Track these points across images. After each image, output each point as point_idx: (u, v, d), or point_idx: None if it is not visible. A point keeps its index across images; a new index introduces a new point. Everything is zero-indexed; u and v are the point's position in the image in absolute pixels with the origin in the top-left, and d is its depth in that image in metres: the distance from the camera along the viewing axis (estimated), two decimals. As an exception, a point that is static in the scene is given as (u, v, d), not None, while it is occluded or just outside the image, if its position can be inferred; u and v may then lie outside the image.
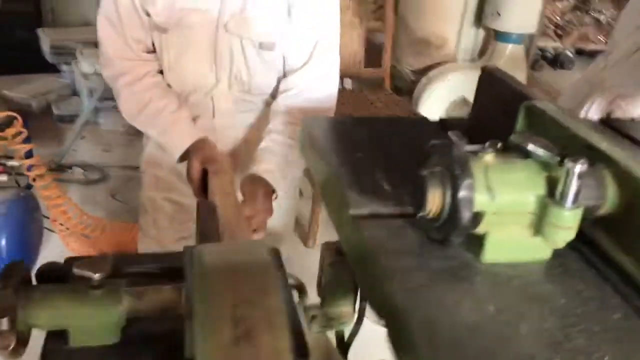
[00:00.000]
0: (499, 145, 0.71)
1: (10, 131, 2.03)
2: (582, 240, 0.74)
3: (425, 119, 1.17)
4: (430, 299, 0.63)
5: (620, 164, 0.70)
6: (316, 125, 1.09)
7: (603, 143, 0.75)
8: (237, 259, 0.63)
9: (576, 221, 0.67)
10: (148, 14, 1.19)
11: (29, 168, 2.13)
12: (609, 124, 1.22)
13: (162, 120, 1.27)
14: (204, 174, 1.18)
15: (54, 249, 2.46)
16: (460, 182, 0.65)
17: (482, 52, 3.95)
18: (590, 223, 0.76)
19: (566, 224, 0.66)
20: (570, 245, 0.75)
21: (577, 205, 0.66)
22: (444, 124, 1.13)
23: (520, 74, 3.79)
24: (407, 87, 4.34)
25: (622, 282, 0.69)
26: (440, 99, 3.67)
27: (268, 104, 1.30)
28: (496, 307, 0.63)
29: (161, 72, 1.31)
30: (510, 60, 3.76)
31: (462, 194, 0.65)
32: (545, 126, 0.85)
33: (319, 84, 1.27)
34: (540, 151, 0.68)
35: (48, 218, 2.33)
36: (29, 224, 2.19)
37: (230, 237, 0.95)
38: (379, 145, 1.00)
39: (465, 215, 0.65)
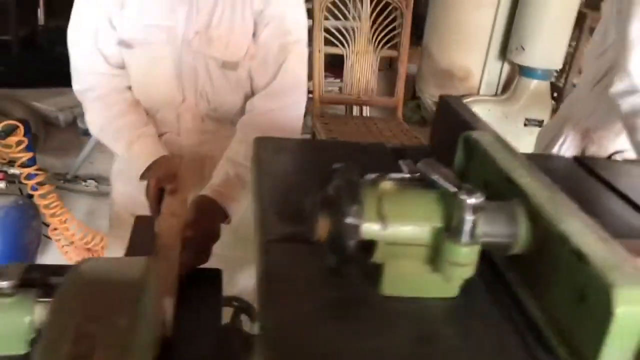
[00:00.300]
0: (405, 174, 0.68)
1: (12, 139, 2.08)
2: (498, 279, 0.70)
3: (382, 145, 1.14)
4: (303, 331, 0.60)
5: (532, 201, 0.66)
6: (267, 146, 1.08)
7: (524, 178, 0.70)
8: (106, 276, 0.61)
9: (472, 258, 0.62)
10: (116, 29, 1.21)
11: (31, 176, 2.18)
12: (583, 162, 1.17)
13: (127, 137, 1.28)
14: (162, 192, 1.17)
15: (52, 257, 2.50)
16: (346, 208, 0.61)
17: (507, 86, 3.88)
18: (506, 261, 0.72)
19: (461, 261, 0.62)
20: (485, 284, 0.71)
21: (474, 241, 0.62)
22: (401, 152, 1.10)
23: (544, 110, 3.70)
24: (430, 118, 4.29)
25: (527, 327, 0.64)
26: (460, 131, 3.61)
27: (234, 124, 1.29)
28: (375, 346, 0.59)
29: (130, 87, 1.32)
30: (534, 95, 3.68)
31: (347, 220, 0.61)
32: (479, 158, 0.81)
33: (283, 106, 1.26)
34: (440, 181, 0.65)
35: (48, 226, 2.37)
36: (25, 230, 2.23)
37: (163, 259, 0.94)
38: (321, 169, 0.98)
39: (350, 243, 0.62)
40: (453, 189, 0.63)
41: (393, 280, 0.67)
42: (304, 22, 1.28)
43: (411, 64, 4.49)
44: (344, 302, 0.66)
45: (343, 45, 2.99)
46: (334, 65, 3.24)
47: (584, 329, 0.55)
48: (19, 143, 2.09)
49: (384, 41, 3.04)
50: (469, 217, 0.61)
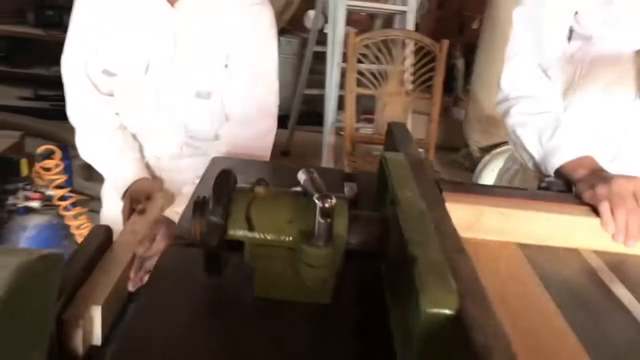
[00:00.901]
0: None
1: (50, 162, 2.26)
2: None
3: (333, 170, 1.17)
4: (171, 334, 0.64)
5: (399, 213, 0.68)
6: (219, 164, 1.14)
7: (403, 192, 0.73)
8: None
9: (326, 260, 0.65)
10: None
11: (66, 198, 2.35)
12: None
13: (110, 160, 1.39)
14: (133, 211, 1.27)
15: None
16: (211, 209, 0.66)
17: (552, 134, 3.78)
18: (384, 270, 0.74)
19: (315, 262, 0.65)
20: (366, 291, 0.74)
21: (327, 244, 0.65)
22: (351, 176, 1.14)
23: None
24: (473, 165, 4.24)
25: (384, 336, 0.65)
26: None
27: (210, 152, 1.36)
28: (227, 347, 0.63)
29: None
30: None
31: (210, 219, 0.66)
32: (388, 175, 0.84)
33: (252, 134, 1.32)
34: (307, 187, 0.68)
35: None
36: (57, 248, 2.38)
37: (102, 271, 1.01)
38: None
39: (212, 242, 0.66)
40: (312, 194, 0.66)
41: (265, 282, 0.70)
42: (273, 54, 1.35)
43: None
44: (220, 304, 0.69)
45: (375, 87, 3.05)
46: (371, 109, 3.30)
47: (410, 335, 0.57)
48: (56, 166, 2.26)
49: (419, 85, 3.07)
50: (320, 220, 0.64)
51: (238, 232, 0.67)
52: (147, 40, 1.29)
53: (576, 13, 1.16)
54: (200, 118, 1.35)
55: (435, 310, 0.52)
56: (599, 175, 1.02)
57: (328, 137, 3.66)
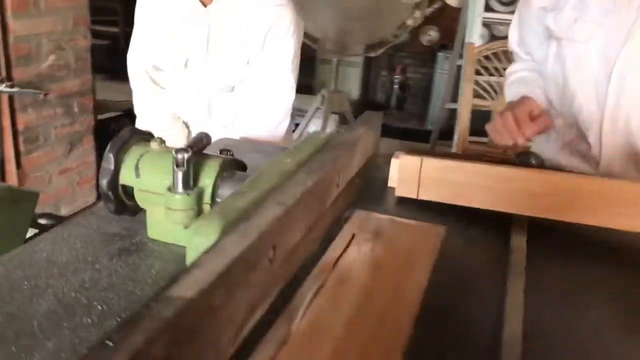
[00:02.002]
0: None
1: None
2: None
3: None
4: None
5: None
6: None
7: (285, 159, 0.79)
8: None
9: (186, 205, 0.74)
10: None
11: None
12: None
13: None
14: None
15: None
16: (105, 155, 0.79)
17: None
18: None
19: (175, 207, 0.74)
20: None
21: (186, 192, 0.74)
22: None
23: None
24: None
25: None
26: None
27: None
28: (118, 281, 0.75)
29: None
30: None
31: (102, 164, 0.79)
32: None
33: (265, 127, 1.42)
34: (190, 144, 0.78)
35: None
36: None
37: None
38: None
39: (102, 183, 0.79)
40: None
41: (154, 225, 0.81)
42: (290, 51, 1.44)
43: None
44: (126, 246, 0.81)
45: (492, 98, 2.95)
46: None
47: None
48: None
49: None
50: (174, 169, 0.73)
51: (127, 178, 0.79)
52: (186, 38, 1.48)
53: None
54: (226, 110, 1.50)
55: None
56: None
57: (456, 149, 3.60)
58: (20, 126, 2.30)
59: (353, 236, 0.88)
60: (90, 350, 0.40)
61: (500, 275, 0.78)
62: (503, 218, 0.94)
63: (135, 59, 1.60)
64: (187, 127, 1.69)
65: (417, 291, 0.74)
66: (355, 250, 0.84)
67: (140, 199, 0.80)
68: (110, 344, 0.41)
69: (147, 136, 0.83)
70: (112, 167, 0.79)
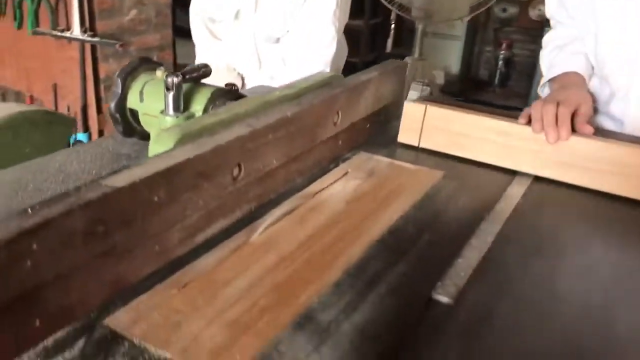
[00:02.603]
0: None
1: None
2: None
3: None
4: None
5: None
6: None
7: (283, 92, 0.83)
8: None
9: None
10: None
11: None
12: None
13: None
14: None
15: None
16: (114, 79, 0.87)
17: None
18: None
19: (163, 126, 0.81)
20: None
21: (177, 114, 0.80)
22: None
23: None
24: None
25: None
26: None
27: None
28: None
29: None
30: None
31: (113, 89, 0.87)
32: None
33: (307, 72, 1.43)
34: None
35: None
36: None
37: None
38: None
39: (110, 105, 0.87)
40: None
41: (156, 144, 0.88)
42: (334, 4, 1.45)
43: None
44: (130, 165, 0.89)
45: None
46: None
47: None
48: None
49: None
50: (165, 92, 0.79)
51: (133, 102, 0.87)
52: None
53: None
54: (274, 61, 1.55)
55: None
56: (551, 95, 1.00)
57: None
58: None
59: (346, 173, 0.90)
60: (8, 215, 0.47)
61: (478, 221, 0.78)
62: (509, 173, 0.92)
63: (196, 12, 1.69)
64: (242, 78, 1.76)
65: (384, 223, 0.75)
66: (342, 184, 0.86)
67: (144, 122, 0.87)
68: (30, 210, 0.48)
69: (154, 65, 0.89)
70: (119, 90, 0.86)
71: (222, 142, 0.66)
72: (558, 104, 0.91)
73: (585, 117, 0.94)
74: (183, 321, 0.54)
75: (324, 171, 0.90)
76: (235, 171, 0.70)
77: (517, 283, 0.64)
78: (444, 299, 0.60)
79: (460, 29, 4.75)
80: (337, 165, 0.93)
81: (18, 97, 2.64)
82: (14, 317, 0.47)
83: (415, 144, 1.00)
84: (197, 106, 0.82)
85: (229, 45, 1.65)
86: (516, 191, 0.87)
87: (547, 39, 1.23)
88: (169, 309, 0.56)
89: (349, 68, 1.51)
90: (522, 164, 0.92)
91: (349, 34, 1.64)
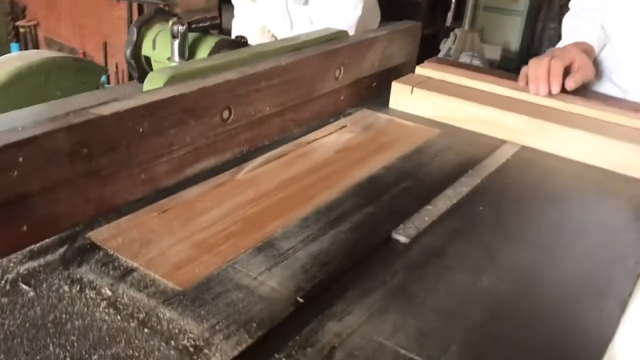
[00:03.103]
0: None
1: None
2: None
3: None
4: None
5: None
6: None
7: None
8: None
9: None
10: None
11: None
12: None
13: None
14: None
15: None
16: (130, 28, 0.93)
17: None
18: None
19: (171, 74, 0.86)
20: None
21: (181, 62, 0.86)
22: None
23: None
24: None
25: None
26: None
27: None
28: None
29: None
30: None
31: (127, 36, 0.93)
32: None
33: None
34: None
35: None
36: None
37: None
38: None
39: (126, 52, 0.93)
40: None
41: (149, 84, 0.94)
42: None
43: None
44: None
45: None
46: None
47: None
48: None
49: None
50: (171, 39, 0.85)
51: (146, 50, 0.93)
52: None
53: None
54: (304, 23, 1.58)
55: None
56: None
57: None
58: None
59: (343, 127, 0.94)
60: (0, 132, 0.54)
61: (461, 174, 0.80)
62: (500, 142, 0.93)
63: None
64: (275, 39, 1.81)
65: (366, 171, 0.79)
66: (336, 136, 0.90)
67: (155, 68, 0.93)
68: (20, 129, 0.55)
69: (169, 16, 0.95)
70: (134, 38, 0.92)
71: (210, 84, 0.71)
72: (552, 58, 0.93)
73: (579, 73, 0.95)
74: (155, 239, 0.60)
75: (323, 124, 0.94)
76: (225, 114, 0.75)
77: (477, 230, 0.67)
78: (402, 238, 0.64)
79: (522, 4, 4.60)
80: (337, 120, 0.96)
81: (72, 53, 2.77)
82: (3, 220, 0.54)
83: (405, 110, 1.02)
84: (202, 54, 0.87)
85: (263, 7, 1.69)
86: (508, 151, 0.89)
87: (573, 2, 1.21)
88: (146, 229, 0.62)
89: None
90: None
91: (408, 7, 1.64)
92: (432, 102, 0.99)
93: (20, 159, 0.53)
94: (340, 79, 0.96)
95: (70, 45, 2.84)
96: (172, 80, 0.70)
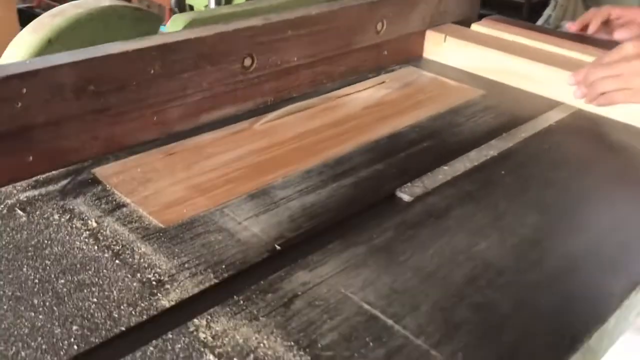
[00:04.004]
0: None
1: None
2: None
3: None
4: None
5: None
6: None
7: None
8: None
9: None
10: None
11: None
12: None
13: None
14: None
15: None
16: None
17: None
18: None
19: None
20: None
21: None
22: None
23: None
24: None
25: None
26: None
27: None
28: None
29: None
30: None
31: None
32: None
33: None
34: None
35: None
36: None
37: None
38: None
39: (171, 1, 0.94)
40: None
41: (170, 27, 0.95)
42: None
43: None
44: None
45: None
46: None
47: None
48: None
49: None
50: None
51: (189, -2, 0.93)
52: None
53: None
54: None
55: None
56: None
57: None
58: None
59: (381, 83, 0.90)
60: (7, 64, 0.56)
61: (493, 137, 0.75)
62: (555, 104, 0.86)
63: None
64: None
65: (390, 128, 0.76)
66: (370, 92, 0.87)
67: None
68: (28, 62, 0.57)
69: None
70: (177, -13, 0.93)
71: (229, 29, 0.70)
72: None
73: None
74: (155, 179, 0.61)
75: (361, 79, 0.91)
76: (247, 61, 0.74)
77: (492, 194, 0.62)
78: (405, 196, 0.61)
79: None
80: (377, 75, 0.93)
81: (160, 10, 2.86)
82: (9, 149, 0.57)
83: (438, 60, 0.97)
84: (239, 2, 0.86)
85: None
86: (556, 114, 0.82)
87: None
88: (150, 168, 0.63)
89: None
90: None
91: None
92: (467, 53, 0.94)
93: (24, 91, 0.55)
94: (382, 33, 0.92)
95: (158, 1, 2.93)
96: (192, 24, 0.70)
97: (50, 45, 1.06)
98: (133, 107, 0.65)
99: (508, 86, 0.91)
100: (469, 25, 1.05)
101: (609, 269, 0.52)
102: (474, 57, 0.94)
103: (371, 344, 0.42)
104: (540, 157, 0.71)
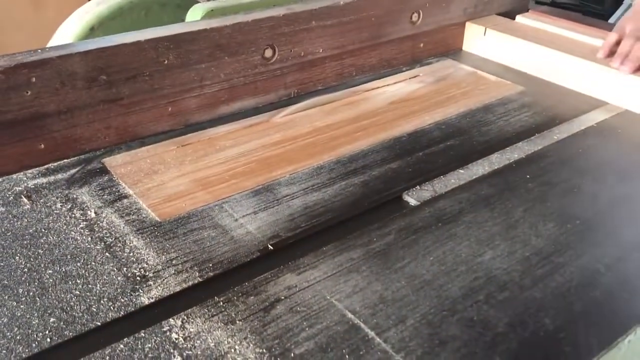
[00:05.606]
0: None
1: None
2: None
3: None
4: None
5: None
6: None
7: None
8: None
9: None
10: None
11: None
12: None
13: None
14: None
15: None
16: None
17: None
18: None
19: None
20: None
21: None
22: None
23: None
24: None
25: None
26: None
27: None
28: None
29: None
30: None
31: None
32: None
33: None
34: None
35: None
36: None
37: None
38: None
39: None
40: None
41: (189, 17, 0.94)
42: None
43: None
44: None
45: None
46: None
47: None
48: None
49: None
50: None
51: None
52: None
53: None
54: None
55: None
56: None
57: None
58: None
59: (415, 77, 0.87)
60: (17, 53, 0.57)
61: (524, 138, 0.70)
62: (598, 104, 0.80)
63: None
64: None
65: (413, 125, 0.72)
66: (401, 86, 0.84)
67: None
68: (39, 51, 0.57)
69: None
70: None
71: (248, 19, 0.69)
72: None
73: None
74: (162, 171, 0.61)
75: (394, 72, 0.87)
76: (268, 52, 0.73)
77: (509, 200, 0.58)
78: (411, 200, 0.58)
79: None
80: (411, 69, 0.89)
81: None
82: (20, 136, 0.58)
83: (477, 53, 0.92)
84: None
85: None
86: (599, 115, 0.76)
87: None
88: (158, 160, 0.63)
89: None
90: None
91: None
92: (508, 46, 0.89)
93: (33, 79, 0.56)
94: (418, 24, 0.88)
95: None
96: (211, 14, 0.69)
97: (92, 32, 1.08)
98: (146, 97, 0.65)
99: (550, 83, 0.85)
100: (514, 17, 1.00)
101: (626, 290, 0.47)
102: (515, 51, 0.89)
103: (347, 356, 0.40)
104: (570, 162, 0.66)
